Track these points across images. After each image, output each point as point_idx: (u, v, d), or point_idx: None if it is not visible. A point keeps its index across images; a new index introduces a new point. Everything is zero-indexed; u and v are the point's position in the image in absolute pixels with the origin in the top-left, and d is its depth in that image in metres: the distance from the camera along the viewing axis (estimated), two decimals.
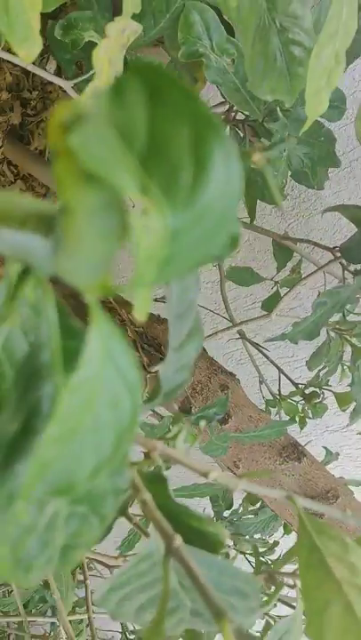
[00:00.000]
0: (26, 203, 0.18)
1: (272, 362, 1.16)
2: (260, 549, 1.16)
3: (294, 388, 1.21)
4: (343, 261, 0.96)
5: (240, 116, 0.72)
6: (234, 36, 0.61)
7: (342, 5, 0.46)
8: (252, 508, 1.26)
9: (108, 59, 0.38)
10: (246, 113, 0.65)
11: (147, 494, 0.30)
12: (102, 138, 0.15)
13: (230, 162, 0.16)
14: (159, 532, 0.29)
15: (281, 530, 1.26)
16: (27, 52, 0.37)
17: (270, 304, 1.17)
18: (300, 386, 1.19)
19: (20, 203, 0.18)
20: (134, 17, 0.47)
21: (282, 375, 1.19)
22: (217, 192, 0.16)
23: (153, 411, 0.82)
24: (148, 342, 0.87)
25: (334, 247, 1.07)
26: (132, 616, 0.33)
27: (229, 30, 0.62)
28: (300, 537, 0.37)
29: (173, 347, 0.36)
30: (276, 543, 1.18)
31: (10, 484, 0.20)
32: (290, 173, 0.73)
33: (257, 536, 1.19)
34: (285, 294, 0.82)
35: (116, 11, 0.61)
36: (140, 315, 0.22)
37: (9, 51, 0.56)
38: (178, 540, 0.28)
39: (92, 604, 0.87)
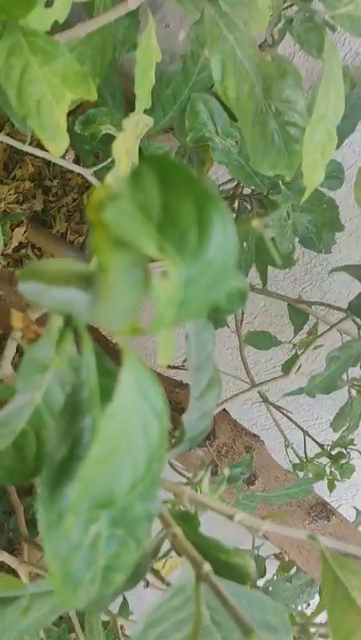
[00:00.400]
0: (69, 266, 0.23)
1: (296, 424, 1.18)
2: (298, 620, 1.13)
3: (320, 450, 1.22)
4: (357, 319, 0.99)
5: (247, 191, 0.78)
6: (236, 121, 0.67)
7: (330, 90, 0.52)
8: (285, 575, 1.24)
9: (125, 150, 0.44)
10: (252, 187, 0.71)
11: (177, 528, 0.33)
12: (127, 213, 0.20)
13: (226, 226, 0.21)
14: (189, 560, 0.31)
15: (317, 597, 1.23)
16: (56, 147, 0.43)
17: (290, 366, 1.20)
18: (325, 447, 1.20)
19: (65, 266, 0.23)
20: (145, 111, 0.53)
21: (307, 438, 1.21)
22: (217, 248, 0.21)
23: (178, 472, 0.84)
24: (172, 407, 0.90)
25: (348, 308, 1.11)
26: None
27: (232, 115, 0.69)
28: (324, 572, 0.39)
29: (195, 396, 0.40)
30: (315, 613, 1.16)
31: (59, 504, 0.24)
32: (297, 240, 0.78)
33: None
34: (302, 353, 0.85)
35: (130, 105, 0.68)
36: (162, 358, 0.26)
37: (31, 144, 0.62)
38: (207, 566, 0.31)
39: None
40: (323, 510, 0.90)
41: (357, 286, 1.36)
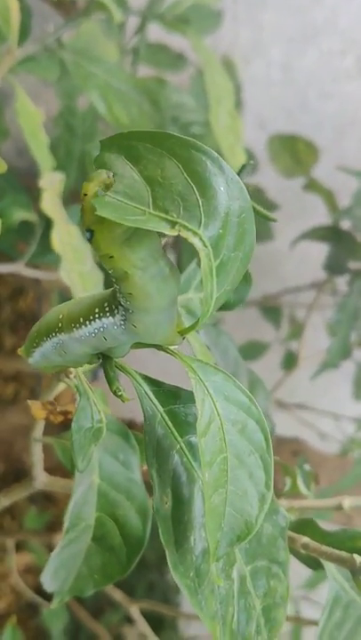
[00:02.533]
0: (84, 299, 0.20)
1: (323, 411, 1.15)
2: None
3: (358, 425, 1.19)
4: (333, 289, 0.98)
5: None
6: None
7: (213, 75, 0.52)
8: None
9: (55, 209, 0.42)
10: None
11: (304, 538, 0.29)
12: (118, 202, 0.17)
13: (224, 169, 0.18)
14: (336, 561, 0.28)
15: None
16: None
17: (288, 361, 1.18)
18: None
19: (78, 302, 0.20)
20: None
21: (340, 420, 1.18)
22: (226, 196, 0.18)
23: None
24: None
25: (312, 283, 1.10)
26: None
27: None
28: None
29: None
30: None
31: (191, 561, 0.20)
32: None
33: None
34: (301, 330, 0.82)
35: (32, 181, 0.67)
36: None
37: None
38: (358, 558, 0.27)
39: None
40: None
41: (310, 261, 1.36)
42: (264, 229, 0.79)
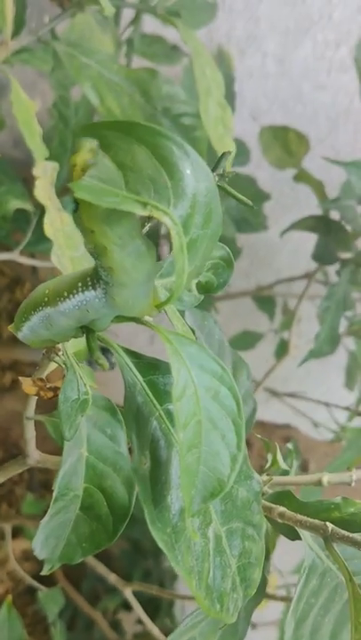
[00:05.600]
0: (68, 276, 0.21)
1: (315, 400, 1.16)
2: None
3: (349, 414, 1.20)
4: (323, 276, 1.00)
5: None
6: None
7: (203, 67, 0.53)
8: None
9: (47, 196, 0.43)
10: None
11: (281, 507, 0.31)
12: (97, 185, 0.19)
13: (189, 153, 0.20)
14: (309, 529, 0.29)
15: None
16: None
17: (280, 351, 1.19)
18: (351, 408, 1.19)
19: (62, 279, 0.21)
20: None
21: (332, 408, 1.19)
22: (193, 178, 0.20)
23: None
24: None
25: (306, 273, 1.12)
26: None
27: None
28: None
29: None
30: None
31: (169, 518, 0.22)
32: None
33: None
34: (293, 320, 0.83)
35: (28, 176, 0.68)
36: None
37: None
38: (330, 525, 0.29)
39: None
40: None
41: (302, 251, 1.37)
42: (258, 220, 0.80)
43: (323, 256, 0.66)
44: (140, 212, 0.19)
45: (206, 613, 0.22)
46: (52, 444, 0.46)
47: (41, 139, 0.49)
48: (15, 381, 1.30)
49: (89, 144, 0.19)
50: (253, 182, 0.78)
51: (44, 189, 0.43)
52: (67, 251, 0.41)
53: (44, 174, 0.45)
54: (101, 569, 0.82)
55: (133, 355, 0.23)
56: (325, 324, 0.65)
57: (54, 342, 0.25)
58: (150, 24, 0.97)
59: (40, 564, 0.34)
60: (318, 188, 0.73)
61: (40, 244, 0.70)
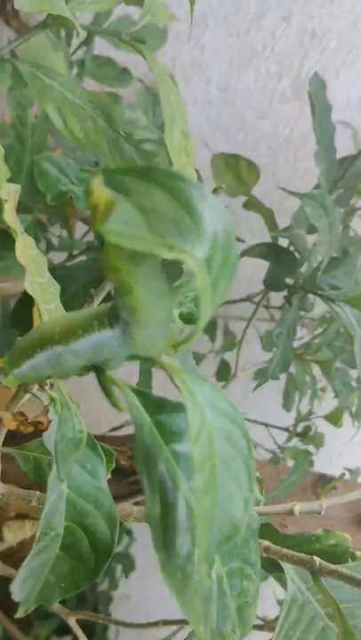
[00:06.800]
0: (80, 313, 0.20)
1: (254, 421, 1.18)
2: None
3: (287, 435, 1.23)
4: (266, 302, 1.02)
5: None
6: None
7: (168, 94, 0.53)
8: None
9: (14, 221, 0.42)
10: None
11: (265, 542, 0.31)
12: (132, 222, 0.19)
13: (207, 198, 0.20)
14: (296, 563, 0.30)
15: None
16: None
17: (222, 373, 1.20)
18: (290, 429, 1.21)
19: (74, 315, 0.20)
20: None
21: (271, 429, 1.21)
22: (212, 220, 0.20)
23: None
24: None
25: (248, 296, 1.14)
26: None
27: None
28: None
29: None
30: None
31: (178, 563, 0.21)
32: None
33: None
34: (240, 342, 0.84)
35: None
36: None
37: None
38: (317, 559, 0.29)
39: None
40: (326, 483, 0.90)
41: (243, 275, 1.40)
42: None
43: (274, 283, 0.68)
44: (167, 255, 0.19)
45: None
46: (10, 477, 0.44)
47: (3, 160, 0.48)
48: None
49: (99, 179, 0.19)
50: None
51: (11, 213, 0.42)
52: (35, 277, 0.40)
53: (10, 197, 0.44)
54: None
55: (141, 394, 0.23)
56: (278, 348, 0.66)
57: (50, 379, 0.24)
58: (100, 46, 0.97)
59: None
60: (268, 215, 0.74)
61: None
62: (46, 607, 0.86)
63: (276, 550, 0.30)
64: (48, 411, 0.28)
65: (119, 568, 1.49)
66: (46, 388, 0.28)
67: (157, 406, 0.23)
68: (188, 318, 0.34)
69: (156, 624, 0.71)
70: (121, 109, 0.55)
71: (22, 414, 0.30)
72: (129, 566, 1.44)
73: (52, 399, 0.27)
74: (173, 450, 0.23)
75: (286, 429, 1.19)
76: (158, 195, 0.19)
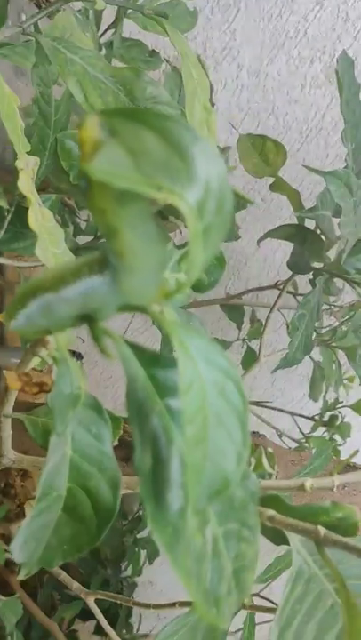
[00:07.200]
0: (72, 261, 0.20)
1: (280, 410, 1.17)
2: None
3: (313, 424, 1.21)
4: (292, 289, 1.01)
5: None
6: None
7: (190, 69, 0.53)
8: None
9: (30, 190, 0.42)
10: None
11: (270, 511, 0.30)
12: (119, 161, 0.18)
13: (199, 141, 0.19)
14: (301, 533, 0.29)
15: None
16: None
17: (248, 360, 1.19)
18: (315, 418, 1.20)
19: (67, 263, 0.20)
20: None
21: (297, 418, 1.20)
22: (204, 163, 0.19)
23: None
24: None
25: (276, 283, 1.12)
26: None
27: None
28: None
29: None
30: None
31: (169, 516, 0.21)
32: None
33: None
34: (262, 335, 0.84)
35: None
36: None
37: None
38: (322, 529, 0.28)
39: None
40: (350, 471, 0.89)
41: (271, 261, 1.38)
42: (230, 230, 0.80)
43: (298, 265, 0.67)
44: (155, 195, 0.18)
45: (202, 618, 0.22)
46: (22, 445, 0.45)
47: (23, 133, 0.48)
48: None
49: (94, 119, 0.18)
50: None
51: (27, 182, 0.42)
52: (50, 246, 0.40)
53: (27, 167, 0.44)
54: (64, 577, 0.80)
55: (135, 347, 0.22)
56: (299, 331, 0.65)
57: (49, 332, 0.24)
58: (129, 28, 0.97)
59: None
60: (295, 197, 0.73)
61: (13, 242, 0.68)
62: (69, 590, 0.87)
63: (281, 520, 0.30)
64: (52, 371, 0.28)
65: (143, 554, 1.50)
66: (49, 347, 0.28)
67: (152, 360, 0.22)
68: (197, 285, 0.34)
69: (172, 605, 0.71)
70: (143, 84, 0.54)
71: (27, 375, 0.30)
72: (153, 552, 1.44)
73: (54, 359, 0.27)
74: (168, 404, 0.22)
75: (312, 418, 1.18)
76: (147, 136, 0.19)
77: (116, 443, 0.32)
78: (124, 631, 1.50)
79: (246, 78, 1.22)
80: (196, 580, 0.21)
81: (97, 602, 0.82)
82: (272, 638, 0.32)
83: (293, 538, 0.31)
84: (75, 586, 0.81)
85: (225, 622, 0.23)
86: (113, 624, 1.34)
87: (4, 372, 0.30)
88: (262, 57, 1.19)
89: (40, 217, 0.42)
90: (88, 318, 0.21)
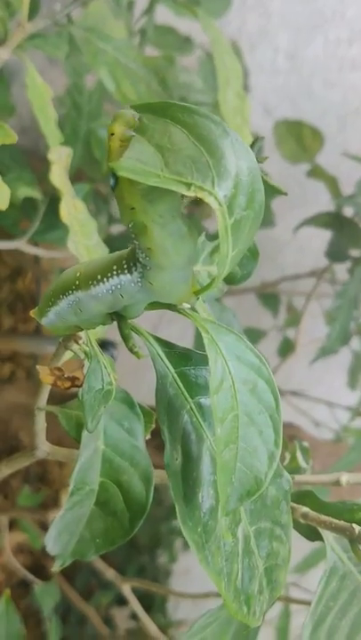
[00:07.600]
0: (102, 258, 0.20)
1: (318, 399, 1.16)
2: None
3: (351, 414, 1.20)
4: (333, 278, 0.99)
5: None
6: None
7: (223, 57, 0.52)
8: None
9: (63, 182, 0.42)
10: None
11: (304, 508, 0.30)
12: (146, 162, 0.18)
13: (229, 134, 0.19)
14: (335, 530, 0.28)
15: None
16: None
17: (284, 349, 1.18)
18: (354, 408, 1.18)
19: (96, 260, 0.20)
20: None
21: (334, 407, 1.18)
22: (234, 157, 0.19)
23: None
24: None
25: (312, 271, 1.10)
26: None
27: None
28: None
29: None
30: None
31: (199, 516, 0.21)
32: None
33: None
34: (301, 317, 0.82)
35: (35, 160, 0.66)
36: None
37: None
38: (357, 527, 0.28)
39: None
40: None
41: (308, 249, 1.36)
42: (266, 216, 0.79)
43: (335, 253, 0.65)
44: (185, 192, 0.18)
45: (233, 616, 0.21)
46: (54, 437, 0.45)
47: (56, 124, 0.48)
48: (14, 373, 1.28)
49: (128, 114, 0.18)
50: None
51: (59, 174, 0.42)
52: (81, 238, 0.40)
53: (59, 159, 0.44)
54: (99, 564, 0.81)
55: (165, 344, 0.22)
56: (337, 321, 0.64)
57: (79, 329, 0.24)
58: (162, 15, 0.96)
59: (34, 556, 0.33)
60: (332, 184, 0.72)
61: (48, 232, 0.69)
62: (106, 576, 0.89)
63: (315, 517, 0.29)
64: (84, 366, 0.28)
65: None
66: (80, 342, 0.28)
67: (183, 358, 0.22)
68: (231, 278, 0.33)
69: (207, 595, 0.72)
70: (175, 72, 0.54)
71: (59, 369, 0.30)
72: None
73: (86, 354, 0.27)
74: (199, 403, 0.22)
75: (351, 408, 1.16)
76: (176, 132, 0.18)
77: (148, 436, 0.32)
78: (160, 617, 1.51)
79: (283, 62, 1.19)
80: (227, 579, 0.21)
81: (133, 588, 0.83)
82: (305, 634, 0.32)
83: (327, 535, 0.30)
84: (110, 573, 0.81)
85: (256, 621, 0.23)
86: (149, 610, 1.36)
87: (37, 367, 0.30)
88: (299, 40, 1.17)
89: (73, 209, 0.42)
90: (117, 316, 0.21)
